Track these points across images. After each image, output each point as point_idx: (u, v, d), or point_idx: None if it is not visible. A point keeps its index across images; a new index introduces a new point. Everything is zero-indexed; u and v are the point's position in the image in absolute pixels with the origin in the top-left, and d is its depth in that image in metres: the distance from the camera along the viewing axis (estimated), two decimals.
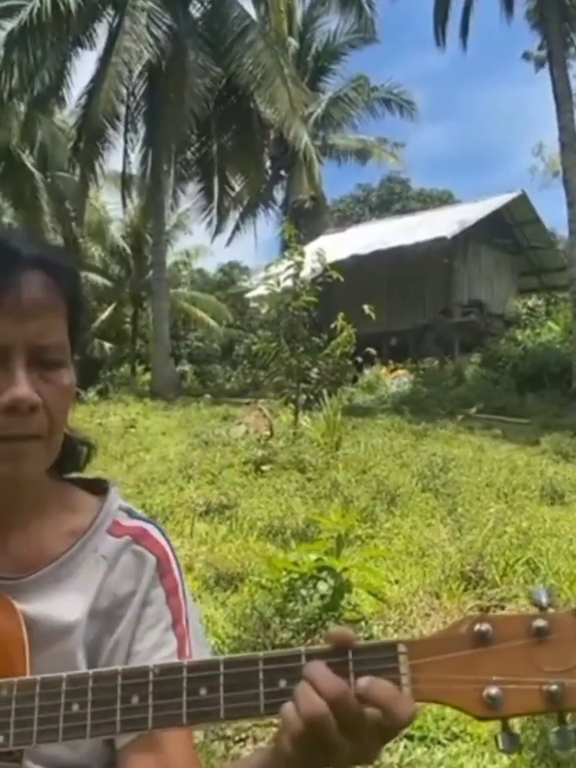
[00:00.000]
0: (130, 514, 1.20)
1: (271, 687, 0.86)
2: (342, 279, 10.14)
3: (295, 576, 3.58)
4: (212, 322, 28.24)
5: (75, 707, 0.91)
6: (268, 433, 9.29)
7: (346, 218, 34.94)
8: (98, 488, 1.23)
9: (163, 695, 0.89)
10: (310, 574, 3.56)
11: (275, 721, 2.63)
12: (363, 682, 0.83)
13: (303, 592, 3.47)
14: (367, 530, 5.56)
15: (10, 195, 23.03)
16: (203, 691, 0.88)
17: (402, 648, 0.85)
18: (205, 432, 10.51)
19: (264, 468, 7.74)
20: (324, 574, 3.54)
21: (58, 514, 1.18)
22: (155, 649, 1.11)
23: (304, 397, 10.33)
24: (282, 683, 0.86)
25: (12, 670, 1.01)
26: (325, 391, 9.69)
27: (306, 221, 22.62)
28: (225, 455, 8.59)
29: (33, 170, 22.76)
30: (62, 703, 0.91)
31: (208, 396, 17.21)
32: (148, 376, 22.34)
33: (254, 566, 4.60)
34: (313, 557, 3.62)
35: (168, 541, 1.20)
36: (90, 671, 0.94)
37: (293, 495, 6.59)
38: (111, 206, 26.80)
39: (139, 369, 25.80)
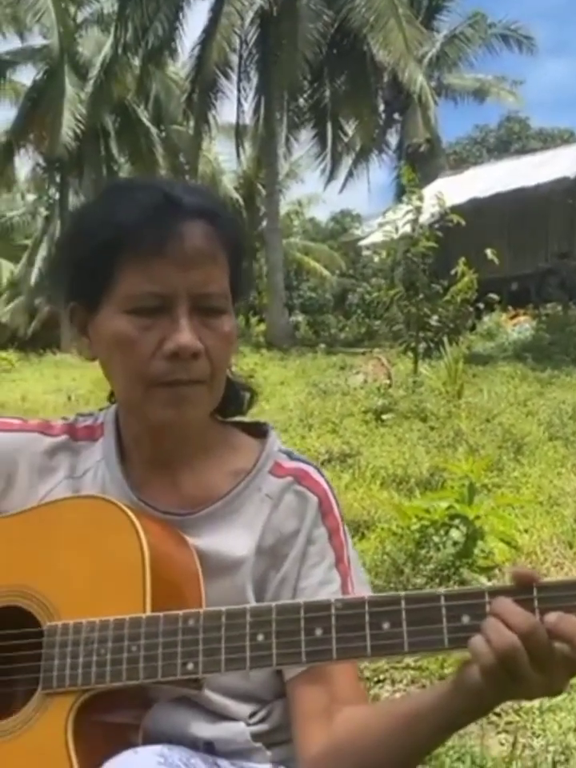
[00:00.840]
0: (290, 456, 1.24)
1: (454, 623, 0.88)
2: (462, 223, 9.90)
3: (427, 523, 3.59)
4: (325, 272, 28.15)
5: (260, 638, 0.94)
6: (387, 382, 9.24)
7: (463, 160, 33.92)
8: (258, 431, 1.27)
9: (346, 628, 0.92)
10: (441, 521, 3.56)
11: (412, 663, 2.68)
12: (552, 617, 0.84)
13: (436, 539, 3.48)
14: (494, 478, 5.48)
15: (126, 150, 23.47)
16: (386, 625, 0.90)
17: None
18: (322, 381, 10.54)
19: (384, 417, 7.71)
20: (456, 521, 3.54)
21: (223, 455, 1.22)
22: (321, 586, 1.14)
23: (423, 345, 10.20)
24: (466, 619, 0.88)
25: (188, 602, 1.05)
26: (445, 339, 9.54)
27: (421, 164, 22.05)
28: (344, 404, 8.61)
29: (148, 124, 23.11)
30: (247, 634, 0.95)
31: (322, 346, 17.23)
32: (262, 327, 22.52)
33: (380, 513, 4.62)
34: (444, 504, 3.61)
35: (327, 482, 1.22)
36: (273, 603, 0.97)
37: (415, 444, 6.56)
38: (224, 157, 27.01)
39: (253, 320, 26.06)
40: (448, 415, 7.53)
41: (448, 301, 10.16)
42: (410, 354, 10.27)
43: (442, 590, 0.91)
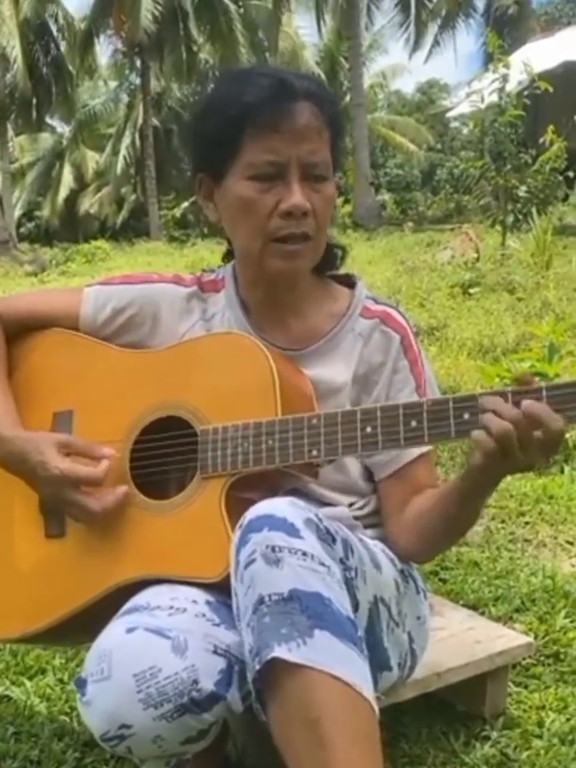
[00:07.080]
0: (376, 300, 1.52)
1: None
2: (550, 90, 9.59)
3: (508, 382, 3.76)
4: (411, 146, 27.39)
5: (368, 429, 1.23)
6: (475, 256, 9.26)
7: (555, 21, 31.90)
8: (349, 282, 1.54)
9: (435, 419, 1.19)
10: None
11: None
12: (527, 402, 1.13)
13: None
14: None
15: (205, 30, 23.00)
16: (466, 415, 1.17)
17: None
18: (410, 259, 10.60)
19: (472, 291, 7.80)
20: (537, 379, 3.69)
21: (322, 301, 1.51)
22: None
23: (512, 217, 10.09)
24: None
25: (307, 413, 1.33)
26: (534, 210, 9.42)
27: (510, 29, 21.08)
28: (432, 280, 8.71)
29: (226, 1, 22.49)
30: (358, 427, 1.23)
31: (410, 224, 17.09)
32: (348, 207, 22.34)
33: (466, 379, 4.83)
34: (526, 364, 3.78)
35: (408, 322, 1.50)
36: (378, 405, 1.25)
37: (502, 315, 6.69)
38: (304, 31, 26.21)
39: (339, 200, 25.80)
40: (536, 286, 7.58)
41: (536, 171, 9.95)
42: (499, 227, 10.18)
43: (450, 395, 1.20)
